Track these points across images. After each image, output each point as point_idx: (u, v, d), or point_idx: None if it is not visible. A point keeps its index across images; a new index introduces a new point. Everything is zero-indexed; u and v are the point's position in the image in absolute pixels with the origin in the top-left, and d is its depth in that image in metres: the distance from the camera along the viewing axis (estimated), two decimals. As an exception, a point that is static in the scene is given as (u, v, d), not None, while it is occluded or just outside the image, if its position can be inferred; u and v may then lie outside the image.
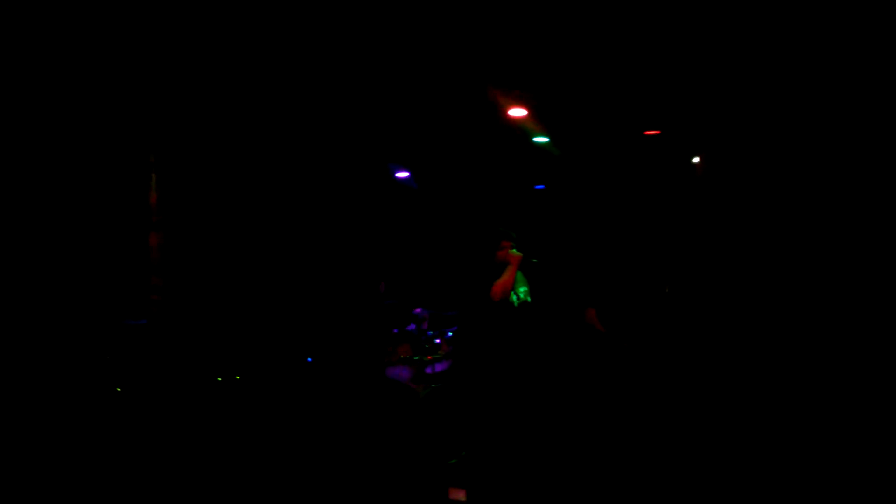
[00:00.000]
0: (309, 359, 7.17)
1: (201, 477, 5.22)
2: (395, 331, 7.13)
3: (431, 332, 7.13)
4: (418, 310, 7.30)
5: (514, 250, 5.44)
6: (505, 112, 8.26)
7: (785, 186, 7.79)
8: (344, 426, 6.15)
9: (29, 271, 6.68)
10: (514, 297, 5.45)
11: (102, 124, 7.29)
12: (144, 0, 5.96)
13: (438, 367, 6.87)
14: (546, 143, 9.08)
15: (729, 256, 8.12)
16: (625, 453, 5.62)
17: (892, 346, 6.16)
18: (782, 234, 7.71)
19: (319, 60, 7.08)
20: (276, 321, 7.88)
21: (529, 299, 5.59)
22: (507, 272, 5.34)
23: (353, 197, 9.18)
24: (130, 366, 6.55)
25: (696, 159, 9.29)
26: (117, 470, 5.25)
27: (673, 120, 8.83)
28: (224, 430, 6.14)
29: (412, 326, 7.19)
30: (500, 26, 6.73)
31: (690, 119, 8.73)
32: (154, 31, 6.34)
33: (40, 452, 5.41)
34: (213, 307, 7.72)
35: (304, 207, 8.80)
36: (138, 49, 6.58)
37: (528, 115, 8.34)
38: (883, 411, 5.70)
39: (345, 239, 8.96)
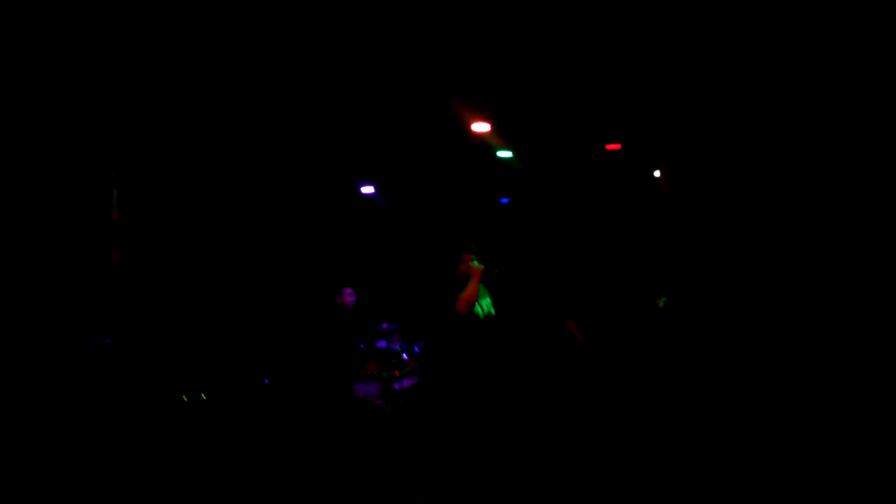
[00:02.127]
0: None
1: (168, 497, 5.17)
2: (363, 346, 7.11)
3: (399, 348, 7.13)
4: (385, 325, 7.29)
5: (476, 262, 5.46)
6: (468, 127, 8.31)
7: (745, 197, 7.95)
8: (311, 443, 6.12)
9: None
10: (479, 310, 5.47)
11: (62, 140, 7.20)
12: (104, 18, 5.91)
13: (406, 383, 6.87)
14: (510, 157, 9.15)
15: (691, 266, 8.26)
16: (596, 464, 5.66)
17: (850, 346, 6.35)
18: (742, 244, 7.86)
19: (283, 77, 7.07)
20: (242, 338, 7.82)
21: (493, 311, 5.62)
22: (471, 285, 5.35)
23: (318, 213, 9.16)
24: (95, 385, 6.47)
25: (657, 172, 9.43)
26: (83, 489, 5.18)
27: (634, 134, 8.96)
28: (189, 449, 6.08)
29: (382, 343, 7.17)
30: (463, 42, 6.79)
31: (652, 133, 8.86)
32: (114, 48, 6.29)
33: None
34: (178, 325, 7.64)
35: (268, 223, 8.76)
36: (98, 66, 6.52)
37: (492, 129, 8.39)
38: (845, 414, 5.85)
39: (310, 255, 8.93)
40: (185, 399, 6.55)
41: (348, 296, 7.28)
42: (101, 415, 6.27)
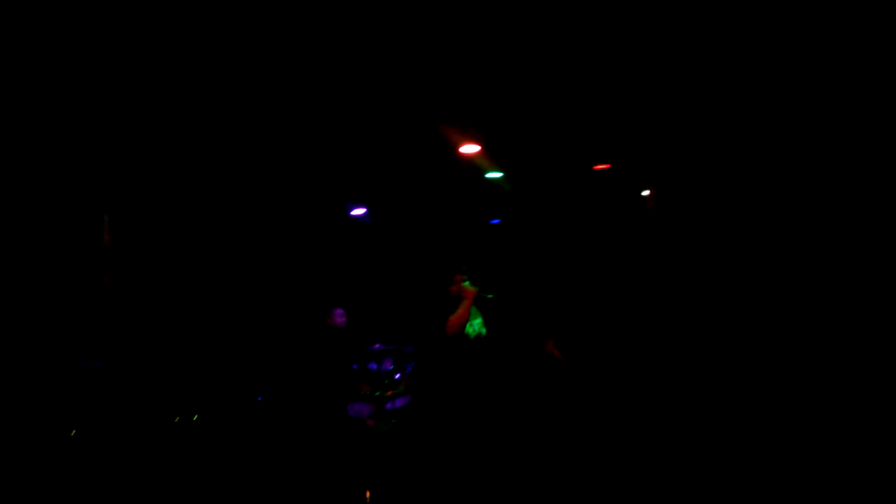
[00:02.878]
0: (259, 398, 7.10)
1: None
2: (355, 367, 7.10)
3: (391, 368, 7.12)
4: (377, 345, 7.29)
5: (468, 284, 5.50)
6: (457, 149, 8.36)
7: (733, 217, 8.05)
8: (304, 462, 6.11)
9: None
10: (470, 330, 5.51)
11: (54, 164, 7.23)
12: (93, 44, 5.97)
13: (399, 403, 6.86)
14: (499, 178, 9.21)
15: (679, 284, 8.32)
16: (586, 481, 5.66)
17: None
18: (730, 262, 7.94)
19: (271, 97, 7.12)
20: (235, 360, 7.81)
21: (484, 331, 5.66)
22: (462, 306, 5.40)
23: (309, 234, 9.19)
24: (86, 408, 6.44)
25: (645, 192, 9.50)
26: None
27: (622, 154, 9.04)
28: (183, 472, 6.06)
29: (374, 364, 7.17)
30: (452, 63, 6.86)
31: (640, 153, 8.94)
32: (101, 71, 6.33)
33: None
34: (168, 347, 7.63)
35: (259, 245, 8.77)
36: (89, 89, 6.56)
37: (481, 151, 8.45)
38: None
39: (302, 276, 8.94)
40: (177, 420, 6.53)
41: (339, 316, 7.28)
42: (91, 438, 6.24)
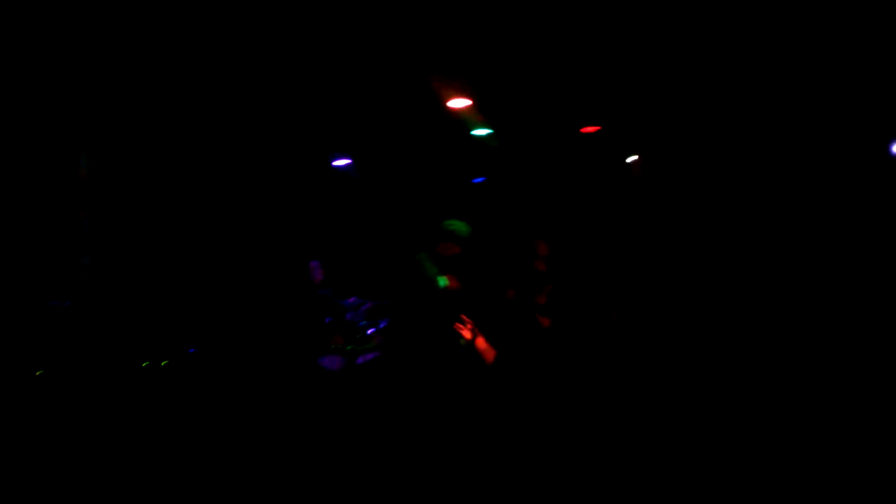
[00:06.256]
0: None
1: (112, 464, 5.09)
2: (328, 320, 7.11)
3: (364, 323, 7.13)
4: (352, 299, 7.29)
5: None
6: (446, 102, 8.24)
7: (723, 184, 8.01)
8: (273, 416, 6.11)
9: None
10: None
11: (32, 100, 7.10)
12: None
13: (369, 357, 6.87)
14: (486, 135, 9.09)
15: (666, 254, 8.31)
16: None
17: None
18: (723, 232, 7.92)
19: (256, 42, 6.98)
20: (206, 305, 7.78)
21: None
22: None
23: (286, 183, 9.10)
24: (52, 348, 6.40)
25: (632, 158, 9.44)
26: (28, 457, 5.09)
27: (611, 117, 8.95)
28: (144, 418, 6.03)
29: (349, 316, 7.18)
30: (443, 16, 6.75)
31: (629, 117, 8.85)
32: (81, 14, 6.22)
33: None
34: (141, 289, 7.59)
35: (237, 191, 8.69)
36: (67, 27, 6.41)
37: (470, 106, 8.33)
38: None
39: (278, 225, 8.88)
40: (146, 365, 6.52)
41: (316, 270, 7.25)
42: (58, 376, 6.21)
